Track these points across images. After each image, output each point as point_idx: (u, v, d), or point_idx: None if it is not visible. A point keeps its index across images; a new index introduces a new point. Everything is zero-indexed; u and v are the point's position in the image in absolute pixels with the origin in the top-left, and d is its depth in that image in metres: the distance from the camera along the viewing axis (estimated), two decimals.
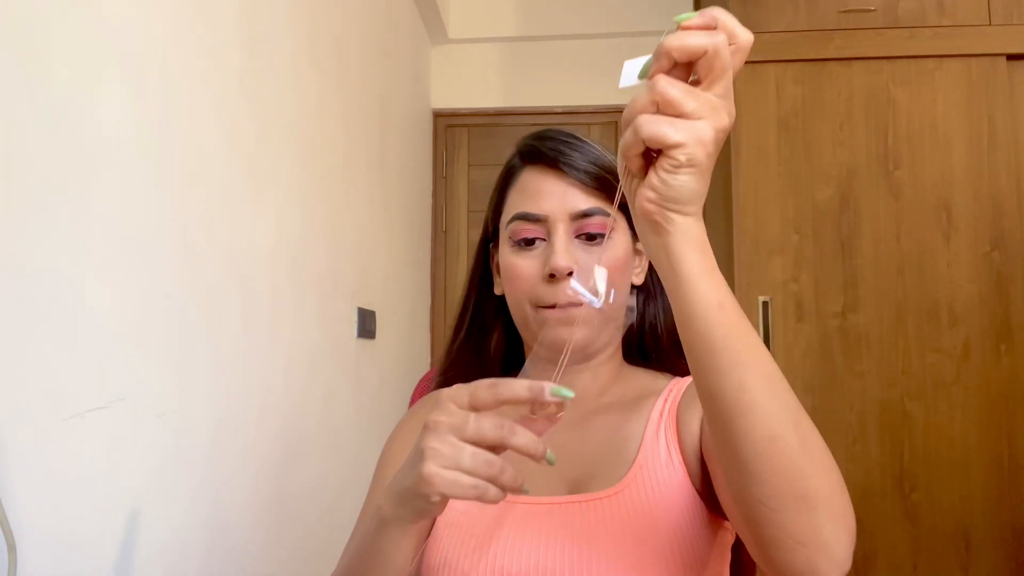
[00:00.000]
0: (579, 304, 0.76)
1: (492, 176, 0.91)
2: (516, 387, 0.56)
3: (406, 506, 0.61)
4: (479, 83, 3.20)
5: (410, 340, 2.71)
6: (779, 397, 0.53)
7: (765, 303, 2.22)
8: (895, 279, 2.21)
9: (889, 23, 2.29)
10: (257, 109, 1.44)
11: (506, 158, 0.89)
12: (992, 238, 2.19)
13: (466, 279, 0.93)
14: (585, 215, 0.79)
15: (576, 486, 0.78)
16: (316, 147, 1.77)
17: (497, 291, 0.88)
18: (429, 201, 3.13)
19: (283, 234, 1.55)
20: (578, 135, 0.83)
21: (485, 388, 0.57)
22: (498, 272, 0.88)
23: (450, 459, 0.55)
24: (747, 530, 0.57)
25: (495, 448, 0.57)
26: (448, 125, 3.21)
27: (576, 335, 0.78)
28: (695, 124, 0.49)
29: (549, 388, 0.55)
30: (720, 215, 2.50)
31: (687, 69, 0.52)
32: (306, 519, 1.67)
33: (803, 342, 2.21)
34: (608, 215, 0.80)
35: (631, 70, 0.53)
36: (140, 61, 1.05)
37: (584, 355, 0.83)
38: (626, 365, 0.89)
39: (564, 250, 0.77)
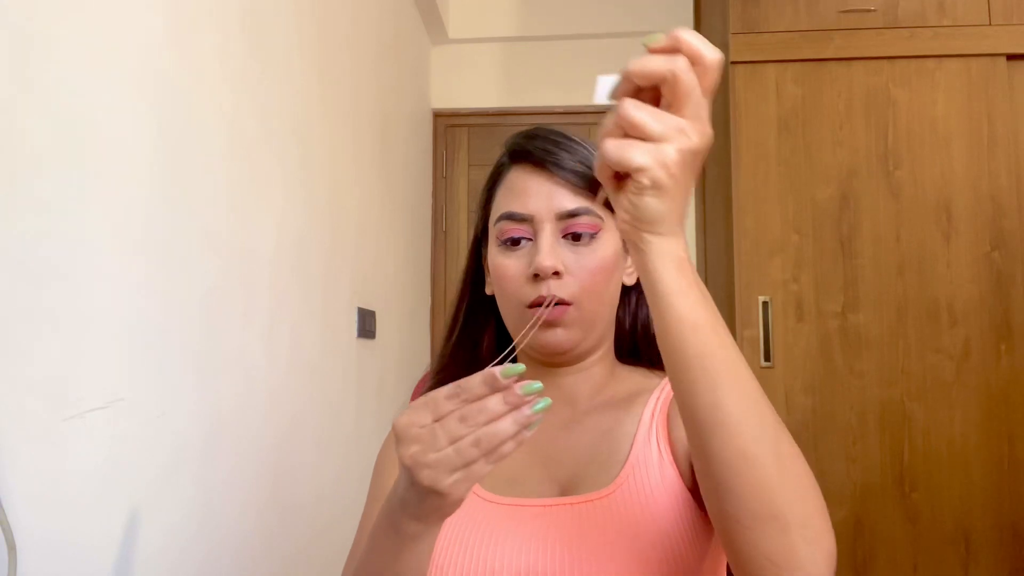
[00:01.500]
0: (564, 303, 0.76)
1: None
2: (472, 385, 0.55)
3: (434, 519, 0.60)
4: (479, 83, 3.20)
5: (410, 340, 2.71)
6: (756, 417, 0.53)
7: (765, 303, 2.22)
8: (895, 279, 2.21)
9: (889, 23, 2.29)
10: (257, 109, 1.44)
11: None
12: (992, 238, 2.19)
13: (460, 279, 0.92)
14: (572, 215, 0.78)
15: (567, 487, 0.78)
16: (316, 147, 1.77)
17: (488, 291, 0.88)
18: (429, 201, 3.13)
19: (283, 234, 1.55)
20: (568, 134, 0.82)
21: (444, 398, 0.56)
22: (489, 272, 0.87)
23: (446, 468, 0.54)
24: (723, 544, 0.57)
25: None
26: (448, 125, 3.22)
27: (559, 335, 0.78)
28: (659, 147, 0.50)
29: (499, 371, 0.54)
30: (720, 215, 2.50)
31: (657, 90, 0.52)
32: (306, 519, 1.67)
33: (803, 342, 2.21)
34: (596, 215, 0.79)
35: (603, 87, 0.55)
36: (140, 61, 1.05)
37: (575, 356, 0.83)
38: (619, 364, 0.89)
39: (550, 250, 0.76)
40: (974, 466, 2.13)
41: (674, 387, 0.56)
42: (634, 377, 0.86)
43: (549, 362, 0.83)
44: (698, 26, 3.05)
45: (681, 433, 0.76)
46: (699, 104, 0.51)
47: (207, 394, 1.23)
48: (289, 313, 1.58)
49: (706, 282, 2.99)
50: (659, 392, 0.82)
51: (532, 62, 3.18)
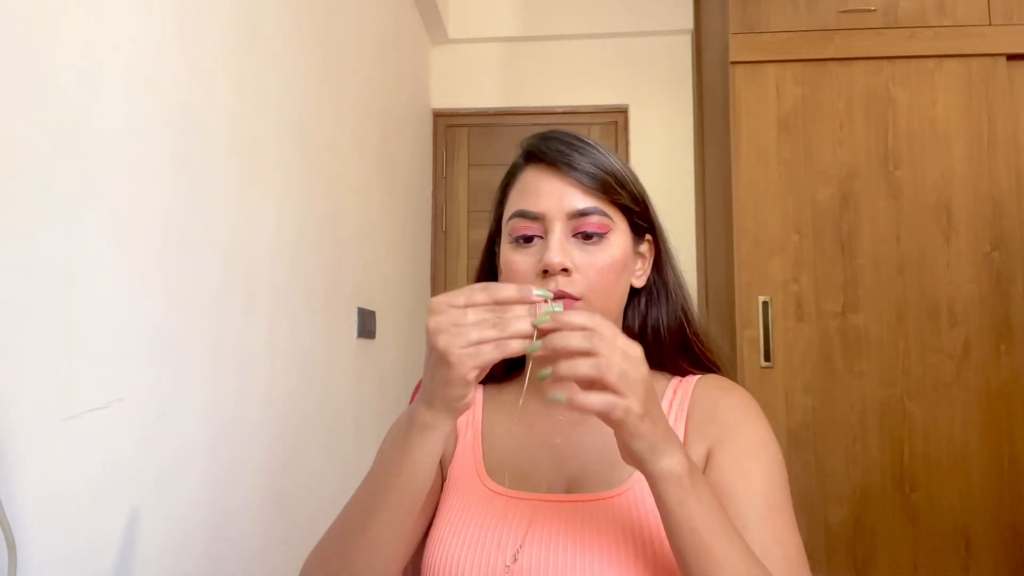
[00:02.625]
0: (573, 299, 0.77)
1: (492, 176, 0.91)
2: (506, 289, 0.63)
3: (440, 403, 0.65)
4: (479, 83, 3.20)
5: (410, 340, 2.71)
6: None
7: (765, 303, 2.22)
8: (895, 279, 2.21)
9: (889, 23, 2.29)
10: (256, 109, 1.44)
11: (506, 158, 0.89)
12: (992, 238, 2.19)
13: (474, 277, 0.93)
14: (582, 214, 0.79)
15: (574, 484, 0.79)
16: (316, 147, 1.77)
17: None
18: (429, 201, 3.13)
19: (283, 234, 1.55)
20: (583, 137, 0.84)
21: (479, 289, 0.63)
22: (502, 269, 0.89)
23: (462, 338, 0.62)
24: None
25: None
26: (448, 125, 3.21)
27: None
28: (614, 398, 0.61)
29: (534, 289, 0.64)
30: (720, 215, 2.50)
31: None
32: (305, 519, 1.67)
33: (803, 342, 2.21)
34: (607, 215, 0.80)
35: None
36: (140, 61, 1.05)
37: None
38: None
39: (559, 247, 0.77)
40: (974, 466, 2.13)
41: (680, 568, 0.65)
42: None
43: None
44: (698, 26, 3.05)
45: (698, 452, 0.78)
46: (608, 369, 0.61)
47: (207, 394, 1.23)
48: (289, 313, 1.58)
49: (706, 282, 3.02)
50: (672, 395, 0.83)
51: (532, 62, 3.18)
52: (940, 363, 2.17)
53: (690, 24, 3.08)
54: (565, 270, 0.77)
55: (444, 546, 0.77)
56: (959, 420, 2.15)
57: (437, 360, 0.62)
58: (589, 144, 0.83)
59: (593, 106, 3.15)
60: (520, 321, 0.62)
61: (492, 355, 0.62)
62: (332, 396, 1.86)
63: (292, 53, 1.63)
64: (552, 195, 0.80)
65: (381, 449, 0.78)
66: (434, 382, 0.64)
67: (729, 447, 0.77)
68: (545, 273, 0.78)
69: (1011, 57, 2.24)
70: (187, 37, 1.18)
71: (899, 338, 2.19)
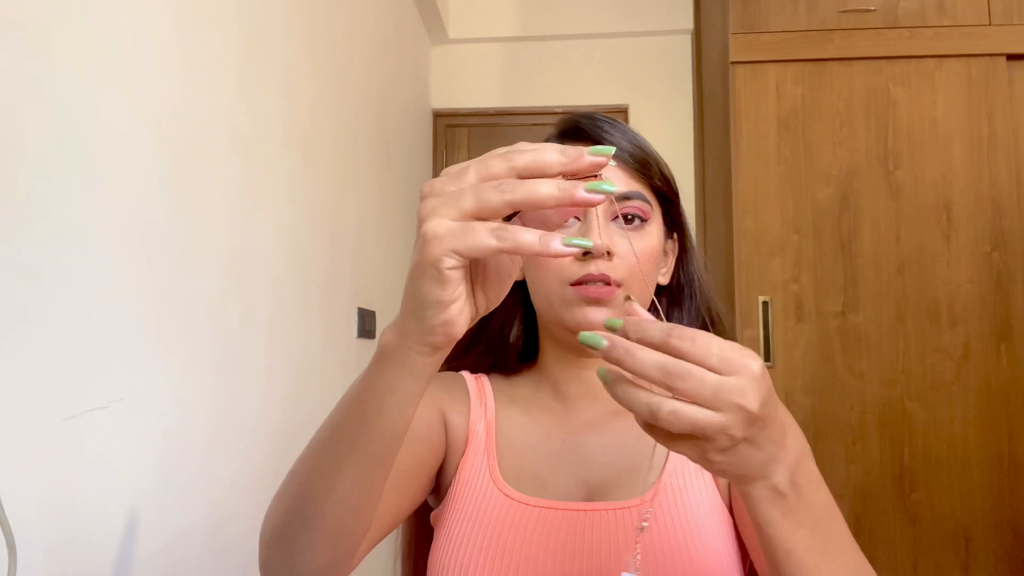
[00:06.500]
0: (609, 284, 0.72)
1: None
2: (546, 150, 0.43)
3: (409, 317, 0.46)
4: (479, 83, 3.20)
5: None
6: None
7: (765, 303, 2.22)
8: (895, 279, 2.21)
9: (889, 23, 2.29)
10: (257, 109, 1.44)
11: None
12: (992, 238, 2.19)
13: None
14: (624, 197, 0.75)
15: (596, 491, 0.75)
16: (316, 147, 1.77)
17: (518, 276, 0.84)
18: None
19: (283, 234, 1.55)
20: (616, 120, 0.80)
21: (497, 157, 0.44)
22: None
23: (451, 206, 0.42)
24: None
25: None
26: (448, 125, 3.21)
27: (602, 315, 0.73)
28: (710, 421, 0.44)
29: (587, 150, 0.42)
30: (720, 215, 2.50)
31: None
32: None
33: (803, 342, 2.21)
34: (646, 200, 0.76)
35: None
36: (140, 61, 1.05)
37: None
38: None
39: (602, 230, 0.73)
40: (974, 466, 2.13)
41: None
42: None
43: (579, 351, 0.80)
44: (698, 26, 3.05)
45: None
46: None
47: (207, 394, 1.23)
48: (289, 313, 1.58)
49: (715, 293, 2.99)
50: None
51: (532, 62, 3.18)
52: (940, 363, 2.17)
53: (690, 24, 3.07)
54: (608, 253, 0.72)
55: (460, 558, 0.72)
56: (959, 420, 2.15)
57: (420, 248, 0.43)
58: (626, 126, 0.79)
59: (593, 106, 3.15)
60: (543, 184, 0.42)
61: (486, 241, 0.42)
62: (332, 396, 1.86)
63: (292, 53, 1.63)
64: None
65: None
66: (408, 282, 0.45)
67: None
68: (586, 255, 0.72)
69: (1011, 57, 2.24)
70: (187, 37, 1.18)
71: (899, 338, 2.19)
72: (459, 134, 3.21)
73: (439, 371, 0.85)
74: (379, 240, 2.32)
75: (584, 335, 0.45)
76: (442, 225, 0.42)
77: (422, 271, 0.43)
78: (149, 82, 1.08)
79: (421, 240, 0.43)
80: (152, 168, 1.08)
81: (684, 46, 3.13)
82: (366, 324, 2.11)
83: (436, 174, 3.17)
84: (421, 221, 0.43)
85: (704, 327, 0.82)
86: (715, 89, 2.66)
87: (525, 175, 0.43)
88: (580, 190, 0.41)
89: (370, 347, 2.18)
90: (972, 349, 2.16)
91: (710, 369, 0.43)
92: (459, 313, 0.46)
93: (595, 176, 0.42)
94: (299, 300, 1.64)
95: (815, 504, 0.51)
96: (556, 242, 0.41)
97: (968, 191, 2.21)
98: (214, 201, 1.26)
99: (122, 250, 1.01)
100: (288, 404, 1.58)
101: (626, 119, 3.14)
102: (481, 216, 0.42)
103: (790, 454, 0.49)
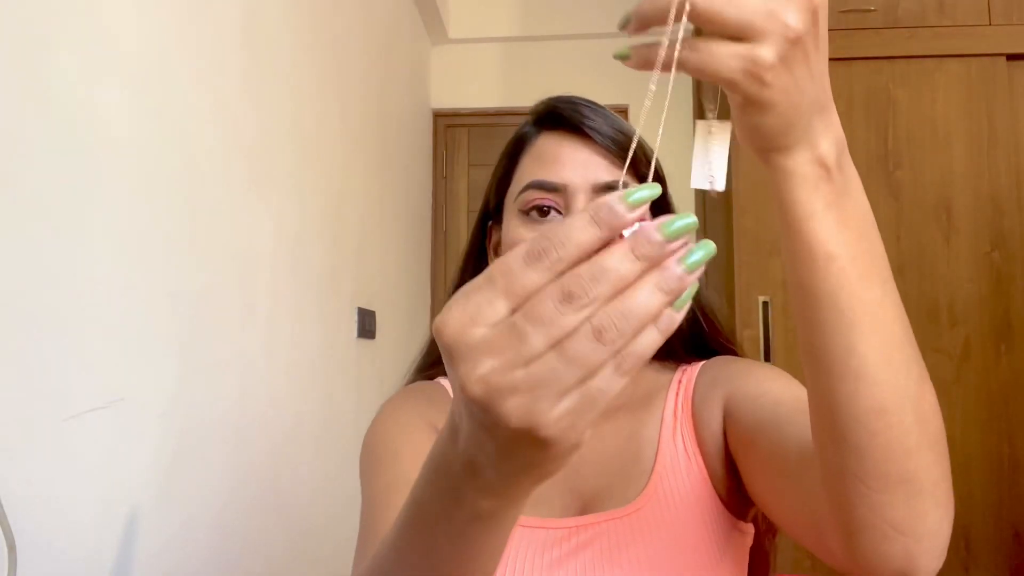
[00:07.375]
0: None
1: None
2: (571, 232, 0.32)
3: (516, 489, 0.36)
4: (479, 83, 3.20)
5: (410, 340, 2.71)
6: (899, 367, 0.44)
7: (765, 303, 2.22)
8: (895, 279, 2.21)
9: (889, 23, 2.28)
10: (257, 109, 1.44)
11: None
12: (992, 238, 2.19)
13: (459, 262, 0.82)
14: (609, 187, 0.70)
15: (591, 502, 0.72)
16: (316, 147, 1.77)
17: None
18: (429, 201, 3.13)
19: (283, 234, 1.55)
20: (597, 103, 0.74)
21: (523, 266, 0.32)
22: (496, 253, 0.79)
23: (550, 389, 0.31)
24: (834, 511, 0.48)
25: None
26: (448, 125, 3.22)
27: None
28: (747, 52, 0.39)
29: (622, 196, 0.34)
30: (720, 215, 2.50)
31: None
32: (305, 519, 1.67)
33: None
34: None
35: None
36: (140, 61, 1.05)
37: None
38: None
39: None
40: (974, 466, 2.13)
41: (799, 324, 0.45)
42: (647, 374, 0.79)
43: None
44: (698, 26, 3.05)
45: (712, 432, 0.69)
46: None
47: (207, 394, 1.23)
48: (289, 313, 1.58)
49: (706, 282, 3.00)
50: (677, 386, 0.76)
51: (532, 62, 3.18)
52: (940, 363, 2.17)
53: (690, 24, 3.08)
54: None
55: None
56: (959, 420, 2.14)
57: (516, 437, 0.32)
58: (606, 109, 0.74)
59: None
60: (639, 294, 0.31)
61: (614, 389, 0.31)
62: (332, 396, 1.86)
63: (293, 53, 1.63)
64: (575, 164, 0.71)
65: (404, 523, 0.43)
66: (512, 462, 0.34)
67: (741, 382, 0.68)
68: None
69: (1011, 57, 2.24)
70: (188, 37, 1.18)
71: None
72: (459, 134, 3.22)
73: (416, 381, 0.82)
74: (379, 240, 2.32)
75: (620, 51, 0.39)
76: (562, 416, 0.31)
77: (545, 462, 0.34)
78: (150, 82, 1.08)
79: (536, 445, 0.32)
80: (152, 168, 1.08)
81: None
82: (366, 324, 2.11)
83: (436, 174, 3.17)
84: (498, 407, 0.31)
85: (693, 319, 0.79)
86: (715, 88, 2.66)
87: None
88: (681, 275, 0.32)
89: (370, 347, 2.18)
90: (972, 349, 2.16)
91: None
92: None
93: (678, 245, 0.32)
94: (299, 300, 1.64)
95: (861, 204, 0.43)
96: (679, 314, 0.32)
97: (968, 191, 2.21)
98: (214, 201, 1.26)
99: (122, 250, 1.01)
100: (288, 404, 1.58)
101: (626, 119, 3.14)
102: (587, 379, 0.31)
103: (836, 124, 0.42)
